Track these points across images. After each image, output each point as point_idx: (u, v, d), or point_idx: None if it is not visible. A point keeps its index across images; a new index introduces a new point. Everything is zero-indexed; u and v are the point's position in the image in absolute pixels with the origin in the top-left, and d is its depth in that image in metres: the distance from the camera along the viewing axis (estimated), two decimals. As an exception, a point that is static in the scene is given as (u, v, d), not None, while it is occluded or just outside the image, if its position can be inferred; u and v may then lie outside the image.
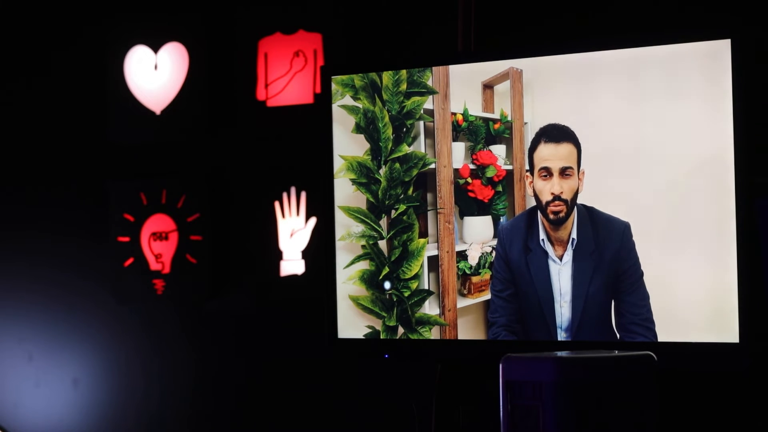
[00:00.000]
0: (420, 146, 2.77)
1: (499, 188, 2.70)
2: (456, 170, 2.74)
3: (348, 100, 2.83)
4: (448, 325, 2.75)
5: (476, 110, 2.73)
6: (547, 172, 2.63)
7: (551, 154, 2.63)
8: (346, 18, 3.24)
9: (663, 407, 2.23)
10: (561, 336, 2.62)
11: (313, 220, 3.28)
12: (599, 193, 2.60)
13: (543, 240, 2.65)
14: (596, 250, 2.60)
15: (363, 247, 2.82)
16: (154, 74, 3.48)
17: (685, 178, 2.52)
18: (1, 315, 3.67)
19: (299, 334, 3.27)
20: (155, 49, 3.48)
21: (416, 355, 2.78)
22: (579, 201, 2.61)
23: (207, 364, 3.41)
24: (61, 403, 3.57)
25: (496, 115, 2.70)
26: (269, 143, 3.35)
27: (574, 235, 2.62)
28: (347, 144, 2.83)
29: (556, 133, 2.63)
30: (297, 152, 3.29)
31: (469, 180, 2.73)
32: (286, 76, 3.32)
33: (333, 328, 2.85)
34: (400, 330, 2.79)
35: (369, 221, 2.81)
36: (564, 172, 2.62)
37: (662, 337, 2.54)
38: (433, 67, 2.75)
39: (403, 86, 2.78)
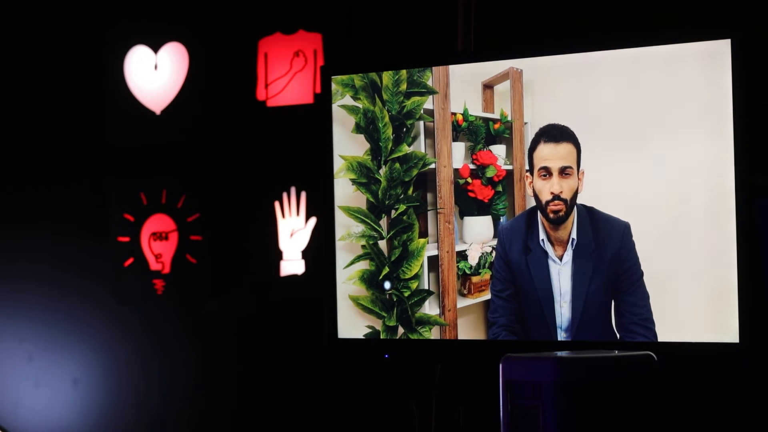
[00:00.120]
0: (420, 146, 2.77)
1: (499, 188, 2.70)
2: (456, 170, 2.74)
3: (348, 100, 2.83)
4: (448, 325, 2.75)
5: (476, 110, 2.73)
6: (546, 172, 2.63)
7: (551, 154, 2.63)
8: (346, 18, 3.24)
9: (663, 407, 2.23)
10: (561, 336, 2.62)
11: (313, 220, 3.28)
12: (599, 193, 2.60)
13: (543, 240, 2.65)
14: (596, 250, 2.60)
15: (363, 247, 2.82)
16: (154, 74, 3.48)
17: (685, 178, 2.52)
18: (1, 315, 3.67)
19: (299, 334, 3.27)
20: (155, 49, 3.48)
21: (416, 355, 2.78)
22: (579, 201, 2.61)
23: (207, 364, 3.41)
24: (61, 403, 3.57)
25: (496, 115, 2.70)
26: (269, 143, 3.35)
27: (574, 235, 2.62)
28: (347, 144, 2.83)
29: (556, 133, 2.63)
30: (297, 152, 3.29)
31: (469, 180, 2.73)
32: (286, 76, 3.32)
33: (333, 328, 2.85)
34: (400, 330, 2.79)
35: (369, 221, 2.81)
36: (563, 172, 2.62)
37: (662, 337, 2.54)
38: (433, 67, 2.75)
39: (403, 86, 2.78)
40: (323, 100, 2.86)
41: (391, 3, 3.20)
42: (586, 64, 2.61)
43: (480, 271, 2.72)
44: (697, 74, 2.51)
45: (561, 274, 2.63)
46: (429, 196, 2.77)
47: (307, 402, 3.27)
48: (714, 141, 2.49)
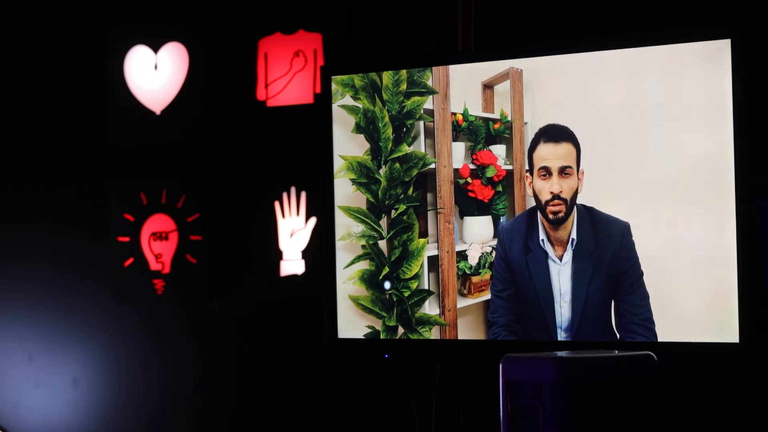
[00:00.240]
0: (420, 146, 2.77)
1: (499, 188, 2.70)
2: (456, 170, 2.74)
3: (348, 100, 2.83)
4: (448, 325, 2.75)
5: (476, 110, 2.73)
6: (546, 172, 2.63)
7: (550, 154, 2.63)
8: (346, 18, 3.24)
9: (663, 407, 2.23)
10: (561, 336, 2.62)
11: (313, 220, 3.28)
12: (599, 193, 2.60)
13: (543, 240, 2.65)
14: (596, 250, 2.60)
15: (363, 247, 2.82)
16: (154, 74, 3.48)
17: (685, 178, 2.52)
18: (1, 315, 3.67)
19: (299, 334, 3.27)
20: (155, 49, 3.48)
21: (416, 355, 2.78)
22: (579, 201, 2.61)
23: (207, 364, 3.41)
24: (61, 403, 3.57)
25: (496, 115, 2.70)
26: (269, 143, 3.35)
27: (573, 235, 2.62)
28: (347, 144, 2.83)
29: (556, 133, 2.63)
30: (297, 152, 3.29)
31: (469, 180, 2.73)
32: (286, 76, 3.32)
33: (333, 328, 2.85)
34: (400, 330, 2.79)
35: (369, 221, 2.81)
36: (563, 172, 2.62)
37: (662, 337, 2.54)
38: (433, 67, 2.75)
39: (403, 86, 2.78)
40: (323, 100, 2.86)
41: (391, 3, 3.20)
42: (586, 64, 2.61)
43: (480, 271, 2.72)
44: (697, 74, 2.51)
45: (561, 274, 2.63)
46: (429, 196, 2.77)
47: (307, 402, 3.27)
48: (714, 141, 2.49)
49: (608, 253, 2.58)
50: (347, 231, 2.84)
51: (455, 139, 2.74)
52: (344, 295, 2.84)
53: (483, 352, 2.68)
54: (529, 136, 2.66)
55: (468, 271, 2.73)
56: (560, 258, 2.63)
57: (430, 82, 2.76)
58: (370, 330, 2.81)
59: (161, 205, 3.45)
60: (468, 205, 2.73)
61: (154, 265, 3.45)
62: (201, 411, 3.41)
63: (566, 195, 2.62)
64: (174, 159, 3.47)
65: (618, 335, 2.57)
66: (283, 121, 3.31)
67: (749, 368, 2.49)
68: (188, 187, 3.42)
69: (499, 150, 2.70)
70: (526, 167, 2.67)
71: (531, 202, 2.67)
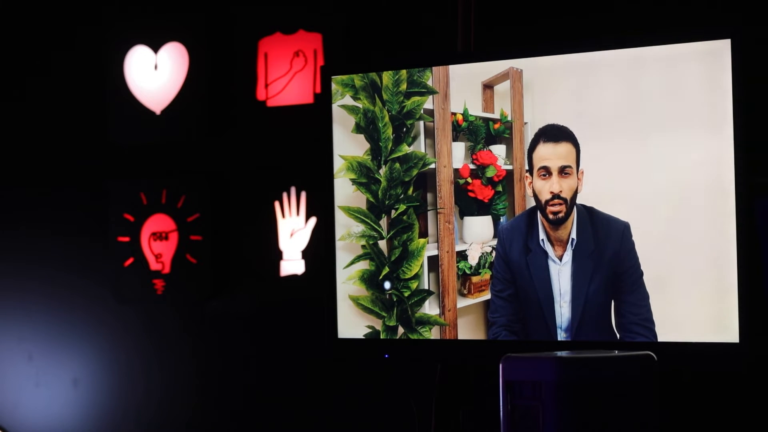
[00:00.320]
0: (420, 146, 2.77)
1: (499, 188, 2.70)
2: (456, 170, 2.74)
3: (348, 100, 2.83)
4: (448, 325, 2.75)
5: (476, 110, 2.73)
6: (546, 171, 2.63)
7: (550, 153, 2.63)
8: (346, 18, 3.24)
9: (663, 407, 2.23)
10: (561, 336, 2.62)
11: (313, 220, 3.28)
12: (599, 193, 2.60)
13: (543, 240, 2.65)
14: (596, 250, 2.60)
15: (363, 247, 2.82)
16: (154, 74, 3.48)
17: (685, 178, 2.52)
18: (1, 315, 3.67)
19: (299, 334, 3.27)
20: (155, 49, 3.48)
21: (416, 355, 2.78)
22: (579, 201, 2.61)
23: (207, 364, 3.41)
24: (61, 403, 3.57)
25: (496, 115, 2.70)
26: (269, 143, 3.35)
27: (573, 235, 2.62)
28: (347, 144, 2.83)
29: (555, 133, 2.63)
30: (297, 152, 3.29)
31: (469, 180, 2.73)
32: (286, 76, 3.32)
33: (333, 328, 2.85)
34: (400, 330, 2.79)
35: (369, 221, 2.81)
36: (563, 171, 2.62)
37: (662, 337, 2.54)
38: (433, 67, 2.75)
39: (403, 86, 2.78)
40: (323, 100, 2.86)
41: (391, 3, 3.20)
42: (586, 64, 2.61)
43: (480, 271, 2.72)
44: (697, 74, 2.51)
45: (561, 274, 2.63)
46: (429, 196, 2.77)
47: (307, 402, 3.27)
48: (714, 141, 2.49)
49: (608, 253, 2.58)
50: (347, 231, 2.84)
51: (455, 139, 2.74)
52: (344, 295, 2.84)
53: (483, 352, 2.68)
54: (529, 136, 2.66)
55: (468, 271, 2.73)
56: (560, 258, 2.63)
57: (430, 82, 2.76)
58: (370, 330, 2.82)
59: (161, 205, 3.45)
60: (468, 205, 2.73)
61: (154, 265, 3.45)
62: (201, 411, 3.41)
63: (566, 195, 2.62)
64: (174, 159, 3.47)
65: (618, 335, 2.57)
66: (283, 121, 3.31)
67: (749, 368, 2.49)
68: (188, 187, 3.42)
69: (499, 150, 2.70)
70: (526, 167, 2.67)
71: (531, 202, 2.67)
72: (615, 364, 2.18)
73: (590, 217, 2.60)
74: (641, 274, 2.56)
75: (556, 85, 2.64)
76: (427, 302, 2.76)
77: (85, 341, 3.55)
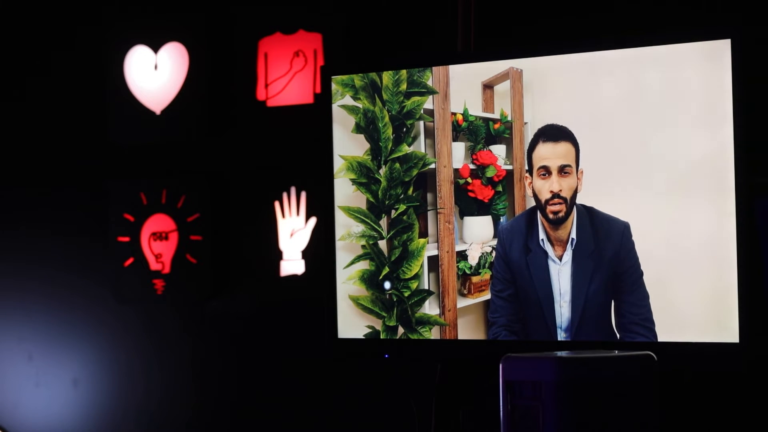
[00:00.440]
0: (420, 146, 2.77)
1: (499, 188, 2.70)
2: (456, 170, 2.74)
3: (348, 100, 2.83)
4: (448, 325, 2.75)
5: (476, 110, 2.73)
6: (545, 171, 2.63)
7: (550, 153, 2.63)
8: (346, 18, 3.24)
9: (663, 407, 2.23)
10: (561, 336, 2.62)
11: (313, 220, 3.28)
12: (599, 193, 2.60)
13: (543, 240, 2.65)
14: (596, 250, 2.60)
15: (363, 247, 2.82)
16: (154, 74, 3.48)
17: (685, 178, 2.52)
18: (1, 315, 3.67)
19: (299, 334, 3.27)
20: (155, 49, 3.48)
21: (416, 355, 2.78)
22: (579, 201, 2.61)
23: (207, 364, 3.41)
24: (61, 403, 3.57)
25: (496, 115, 2.70)
26: (269, 143, 3.35)
27: (573, 235, 2.62)
28: (347, 144, 2.83)
29: (554, 132, 2.63)
30: (297, 152, 3.29)
31: (469, 180, 2.73)
32: (286, 76, 3.32)
33: (333, 328, 2.85)
34: (400, 330, 2.79)
35: (369, 221, 2.81)
36: (563, 170, 2.62)
37: (662, 337, 2.54)
38: (433, 67, 2.75)
39: (403, 86, 2.78)
40: (323, 100, 2.86)
41: (391, 3, 3.20)
42: (586, 64, 2.61)
43: (480, 271, 2.72)
44: (697, 74, 2.51)
45: (561, 274, 2.63)
46: (429, 196, 2.77)
47: (307, 402, 3.26)
48: (714, 141, 2.49)
49: (608, 253, 2.58)
50: (347, 231, 2.84)
51: (455, 139, 2.74)
52: (344, 295, 2.84)
53: (483, 352, 2.68)
54: (529, 136, 2.66)
55: (468, 271, 2.73)
56: (560, 258, 2.63)
57: (430, 82, 2.76)
58: (370, 330, 2.81)
59: (161, 205, 3.45)
60: (468, 205, 2.73)
61: (154, 265, 3.45)
62: (201, 411, 3.41)
63: (566, 194, 2.62)
64: (174, 159, 3.47)
65: (618, 335, 2.57)
66: (283, 121, 3.32)
67: (749, 368, 2.49)
68: (188, 187, 3.42)
69: (499, 150, 2.70)
70: (526, 168, 2.67)
71: (531, 202, 2.67)
72: (615, 364, 2.18)
73: (590, 217, 2.60)
74: (641, 274, 2.56)
75: (556, 85, 2.64)
76: (427, 302, 2.76)
77: (85, 341, 3.55)
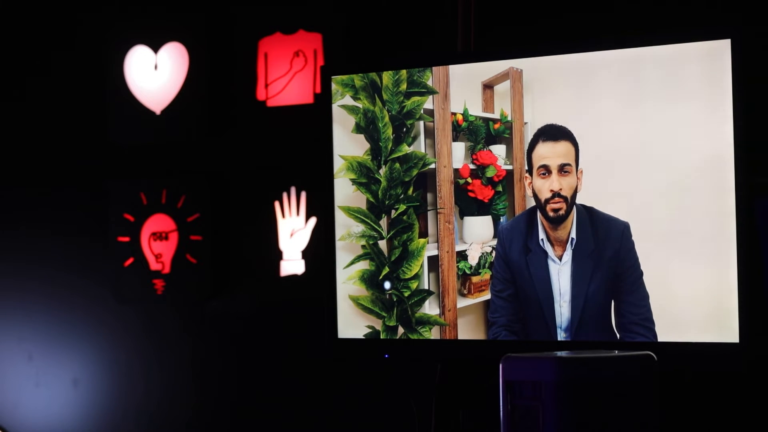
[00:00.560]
0: (420, 146, 2.77)
1: (499, 188, 2.70)
2: (456, 170, 2.74)
3: (348, 100, 2.83)
4: (448, 325, 2.75)
5: (476, 110, 2.73)
6: (545, 170, 2.64)
7: (549, 152, 2.63)
8: (346, 18, 3.24)
9: (663, 407, 2.23)
10: (561, 336, 2.62)
11: (313, 220, 3.28)
12: (599, 193, 2.60)
13: (542, 240, 2.65)
14: (596, 250, 2.60)
15: (363, 247, 2.82)
16: (154, 74, 3.48)
17: (685, 178, 2.52)
18: (1, 315, 3.67)
19: (299, 334, 3.27)
20: (155, 49, 3.48)
21: (416, 355, 2.78)
22: (578, 201, 2.61)
23: (207, 364, 3.41)
24: (61, 403, 3.57)
25: (496, 115, 2.70)
26: (269, 143, 3.35)
27: (573, 235, 2.62)
28: (347, 144, 2.83)
29: (554, 132, 2.63)
30: (297, 152, 3.29)
31: (469, 180, 2.73)
32: (286, 76, 3.32)
33: (333, 328, 2.85)
34: (400, 330, 2.79)
35: (369, 221, 2.81)
36: (563, 169, 2.62)
37: (662, 337, 2.54)
38: (433, 67, 2.75)
39: (403, 86, 2.78)
40: (323, 100, 2.86)
41: (391, 3, 3.20)
42: (586, 64, 2.61)
43: (480, 271, 2.72)
44: (697, 74, 2.51)
45: (561, 274, 2.63)
46: (429, 196, 2.77)
47: (307, 402, 3.26)
48: (714, 141, 2.49)
49: (608, 253, 2.58)
50: (347, 231, 2.84)
51: (455, 139, 2.74)
52: (344, 295, 2.84)
53: (483, 352, 2.68)
54: (529, 135, 2.66)
55: (468, 271, 2.73)
56: (560, 258, 2.63)
57: (430, 82, 2.76)
58: (370, 330, 2.81)
59: (161, 205, 3.45)
60: (468, 205, 2.73)
61: (154, 265, 3.45)
62: (201, 411, 3.41)
63: (566, 193, 2.62)
64: (174, 159, 3.47)
65: (618, 335, 2.57)
66: (283, 121, 3.32)
67: (749, 368, 2.49)
68: (188, 187, 3.42)
69: (499, 150, 2.71)
70: (526, 168, 2.67)
71: (531, 202, 2.67)
72: (615, 364, 2.18)
73: (590, 217, 2.60)
74: (641, 273, 2.56)
75: (556, 85, 2.64)
76: (427, 302, 2.76)
77: (85, 341, 3.55)
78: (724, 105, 2.48)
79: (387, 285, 2.80)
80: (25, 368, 3.62)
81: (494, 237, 2.71)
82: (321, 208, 2.94)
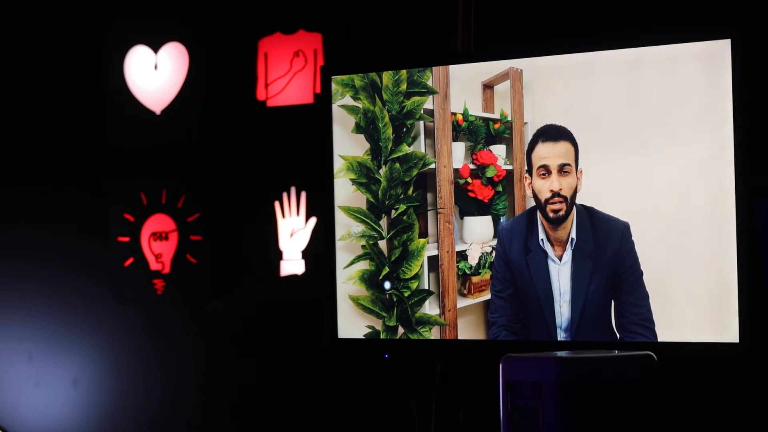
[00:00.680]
0: (420, 146, 2.77)
1: (499, 188, 2.70)
2: (456, 170, 2.74)
3: (348, 100, 2.83)
4: (448, 325, 2.75)
5: (476, 110, 2.73)
6: (545, 170, 2.64)
7: (549, 152, 2.63)
8: (346, 18, 3.24)
9: (663, 407, 2.23)
10: (561, 336, 2.62)
11: (313, 220, 3.28)
12: (599, 193, 2.60)
13: (542, 240, 2.65)
14: (596, 250, 2.60)
15: (363, 247, 2.82)
16: (154, 74, 3.48)
17: (685, 178, 2.52)
18: (1, 315, 3.67)
19: (299, 334, 3.27)
20: (155, 49, 3.48)
21: (416, 355, 2.78)
22: (578, 201, 2.61)
23: (207, 364, 3.41)
24: (61, 403, 3.57)
25: (496, 115, 2.70)
26: (269, 143, 3.35)
27: (573, 235, 2.62)
28: (347, 144, 2.83)
29: (554, 132, 2.63)
30: (297, 152, 3.29)
31: (469, 180, 2.73)
32: (286, 76, 3.32)
33: (333, 328, 2.85)
34: (400, 330, 2.79)
35: (369, 221, 2.81)
36: (562, 169, 2.62)
37: (662, 337, 2.54)
38: (433, 67, 2.75)
39: (403, 86, 2.78)
40: (323, 100, 2.86)
41: (391, 3, 3.20)
42: (586, 64, 2.61)
43: (480, 271, 2.72)
44: (697, 74, 2.51)
45: (560, 274, 2.63)
46: (429, 196, 2.77)
47: (307, 402, 3.26)
48: (714, 141, 2.49)
49: (608, 253, 2.58)
50: (347, 231, 2.84)
51: (455, 139, 2.74)
52: (344, 295, 2.84)
53: (483, 352, 2.68)
54: (529, 136, 2.66)
55: (468, 271, 2.73)
56: (560, 258, 2.63)
57: (430, 82, 2.76)
58: (370, 330, 2.81)
59: (161, 205, 3.45)
60: (468, 205, 2.73)
61: (154, 265, 3.45)
62: (201, 411, 3.41)
63: (566, 193, 2.62)
64: (174, 159, 3.47)
65: (618, 335, 2.57)
66: (283, 121, 3.32)
67: (749, 368, 2.49)
68: (188, 187, 3.42)
69: (499, 150, 2.71)
70: (525, 168, 2.67)
71: (531, 202, 2.67)
72: (615, 364, 2.18)
73: (590, 217, 2.60)
74: (641, 274, 2.56)
75: (556, 85, 2.64)
76: (427, 302, 2.76)
77: (85, 341, 3.55)
78: (724, 105, 2.48)
79: (387, 285, 2.80)
80: (25, 368, 3.62)
81: (494, 237, 2.71)
82: (321, 208, 2.94)
